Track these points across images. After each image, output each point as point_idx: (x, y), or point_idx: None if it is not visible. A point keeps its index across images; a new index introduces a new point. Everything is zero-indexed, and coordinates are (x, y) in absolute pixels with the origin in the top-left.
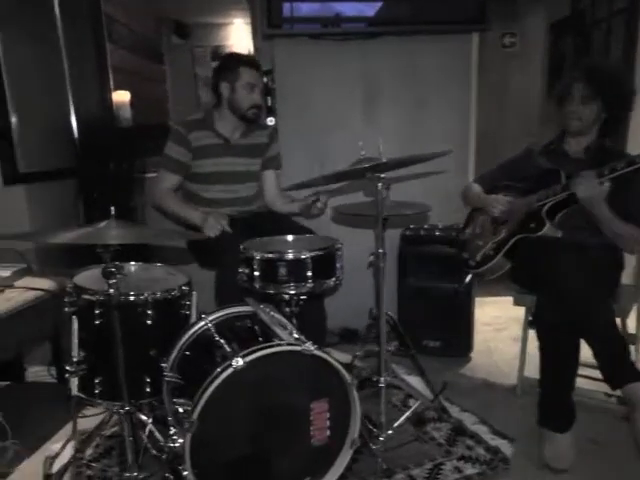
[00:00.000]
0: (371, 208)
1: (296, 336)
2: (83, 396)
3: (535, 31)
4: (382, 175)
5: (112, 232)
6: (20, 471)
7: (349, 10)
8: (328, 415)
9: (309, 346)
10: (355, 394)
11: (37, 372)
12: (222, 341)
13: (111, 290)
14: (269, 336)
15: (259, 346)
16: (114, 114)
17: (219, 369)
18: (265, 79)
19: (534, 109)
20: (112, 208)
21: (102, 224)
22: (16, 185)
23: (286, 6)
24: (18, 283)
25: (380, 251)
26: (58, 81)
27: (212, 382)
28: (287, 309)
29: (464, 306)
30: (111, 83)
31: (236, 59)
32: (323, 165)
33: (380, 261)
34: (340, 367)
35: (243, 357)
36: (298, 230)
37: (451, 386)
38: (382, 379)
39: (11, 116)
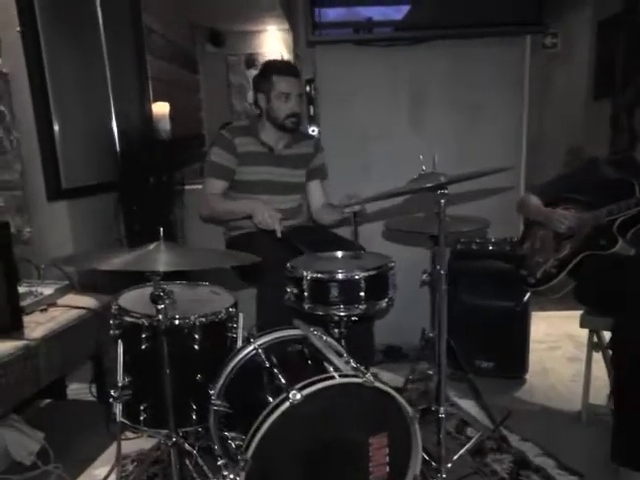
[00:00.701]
0: (425, 224)
1: (354, 365)
2: (127, 422)
3: (579, 30)
4: (446, 191)
5: (162, 257)
6: None
7: (394, 14)
8: (387, 450)
9: (370, 378)
10: (417, 428)
11: (78, 390)
12: (275, 370)
13: (159, 316)
14: (323, 364)
15: (317, 377)
16: (154, 126)
17: (274, 402)
18: (307, 88)
19: (577, 112)
20: (161, 230)
21: (151, 247)
22: (59, 201)
23: (329, 12)
24: (61, 301)
25: (442, 272)
26: (101, 93)
27: (267, 417)
28: (336, 330)
29: (520, 325)
30: (150, 94)
31: (269, 68)
32: (368, 174)
33: (442, 282)
34: (402, 400)
35: (300, 390)
36: (346, 245)
37: (506, 411)
38: (442, 409)
39: (56, 133)
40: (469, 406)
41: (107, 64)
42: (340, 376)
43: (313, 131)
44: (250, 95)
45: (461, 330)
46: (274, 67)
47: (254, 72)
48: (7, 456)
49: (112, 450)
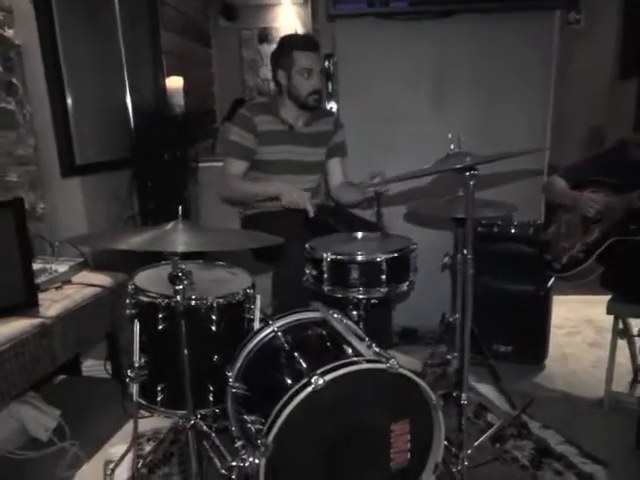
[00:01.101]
0: (449, 207)
1: (376, 350)
2: (144, 403)
3: (605, 7)
4: (476, 172)
5: (180, 237)
6: (80, 477)
7: None
8: (409, 437)
9: (395, 363)
10: (440, 416)
11: (92, 367)
12: (295, 354)
13: (177, 297)
14: (344, 348)
15: (339, 362)
16: (168, 101)
17: (296, 387)
18: (326, 63)
19: (600, 92)
20: (179, 208)
21: (168, 226)
22: (73, 177)
23: None
24: (76, 278)
25: (469, 257)
26: (115, 67)
27: (289, 402)
28: (354, 312)
29: (541, 310)
30: (164, 68)
31: (289, 43)
32: (387, 154)
33: (469, 267)
34: (426, 386)
35: (323, 375)
36: (366, 226)
37: (527, 397)
38: (464, 395)
39: (69, 107)
40: (487, 390)
41: (121, 37)
42: (364, 361)
43: (331, 108)
44: (263, 71)
45: (480, 313)
46: (294, 42)
47: (267, 47)
48: (24, 432)
49: (128, 428)
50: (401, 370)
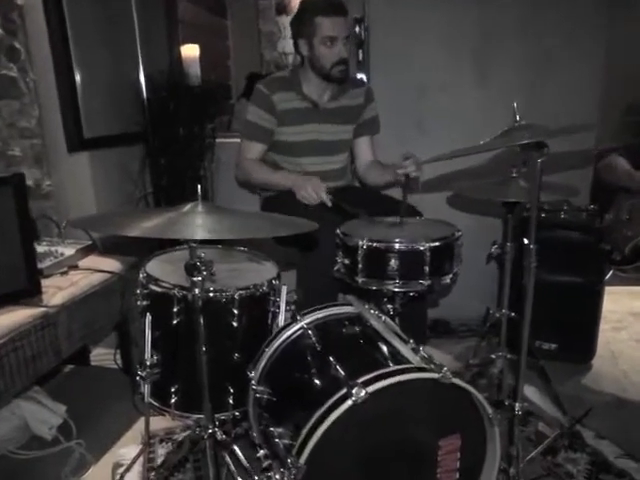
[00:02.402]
0: (498, 189)
1: (424, 355)
2: (156, 404)
3: None
4: (547, 149)
5: (199, 221)
6: None
7: None
8: (459, 455)
9: (448, 373)
10: (496, 432)
11: (101, 356)
12: (330, 358)
13: (195, 290)
14: (386, 352)
15: (383, 371)
16: (183, 71)
17: (333, 399)
18: (356, 29)
19: None
20: (198, 187)
21: (185, 208)
22: (81, 152)
23: None
24: (83, 263)
25: (531, 247)
26: (126, 36)
27: (325, 417)
28: (389, 306)
29: (592, 304)
30: (179, 37)
31: (311, 8)
32: (421, 130)
33: (531, 259)
34: (482, 399)
35: (365, 386)
36: (401, 210)
37: (574, 401)
38: (517, 405)
39: (76, 75)
40: (531, 393)
41: (133, 1)
42: (412, 370)
43: (361, 78)
44: (281, 44)
45: (521, 306)
46: (317, 6)
47: (285, 18)
48: (27, 430)
49: (138, 426)
50: (455, 380)
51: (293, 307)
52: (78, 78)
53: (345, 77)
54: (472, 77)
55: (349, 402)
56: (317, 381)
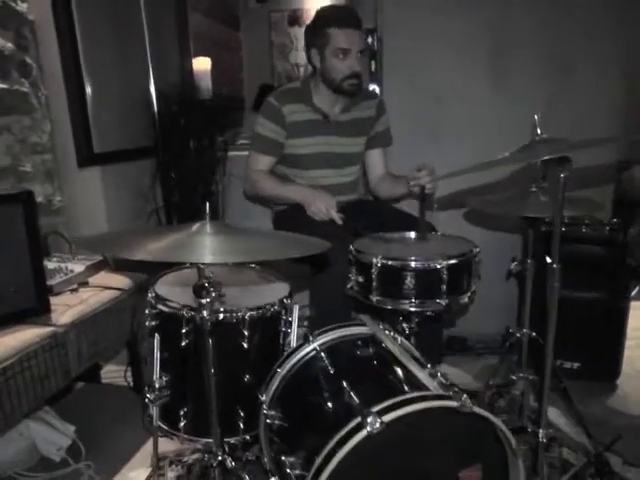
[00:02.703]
0: (517, 204)
1: (443, 381)
2: (165, 428)
3: None
4: (570, 163)
5: (208, 242)
6: None
7: None
8: None
9: (468, 401)
10: (520, 464)
11: (112, 373)
12: (344, 383)
13: (204, 312)
14: (402, 377)
15: (400, 399)
16: (195, 84)
17: (346, 429)
18: (369, 39)
19: None
20: (207, 206)
21: (194, 227)
22: (91, 167)
23: None
24: (93, 280)
25: (555, 266)
26: (137, 50)
27: (338, 448)
28: (404, 325)
29: (617, 321)
30: (191, 50)
31: (324, 18)
32: (436, 140)
33: (555, 278)
34: (504, 428)
35: (380, 415)
36: (415, 224)
37: (600, 423)
38: (542, 432)
39: (87, 90)
40: (554, 415)
41: (144, 15)
42: (430, 397)
43: (374, 90)
44: (293, 55)
45: (542, 324)
46: (330, 16)
47: (298, 30)
48: (35, 451)
49: (148, 448)
50: (476, 409)
51: (306, 323)
52: (89, 93)
53: (357, 91)
54: (488, 85)
55: (364, 432)
56: (330, 408)
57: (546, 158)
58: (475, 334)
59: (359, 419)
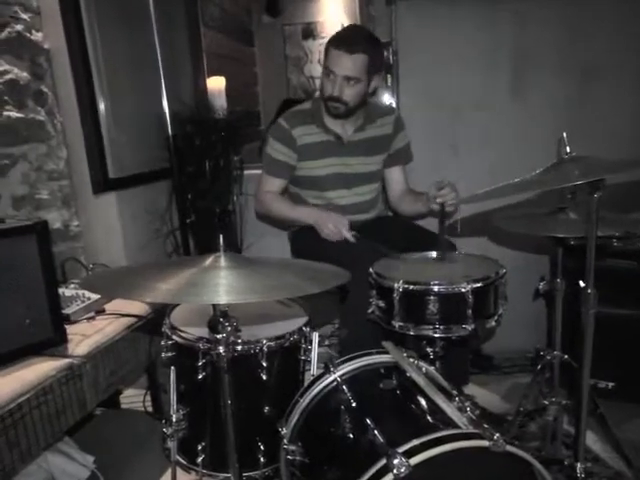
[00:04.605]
0: (546, 225)
1: (472, 417)
2: (183, 462)
3: None
4: (604, 183)
5: (222, 279)
6: None
7: None
8: None
9: (500, 440)
10: None
11: (132, 398)
12: (367, 419)
13: (220, 348)
14: (429, 413)
15: (427, 438)
16: (209, 104)
17: (371, 473)
18: (385, 53)
19: None
20: (220, 238)
21: (207, 262)
22: (107, 193)
23: None
24: (109, 306)
25: (589, 291)
26: (150, 70)
27: None
28: (429, 349)
29: None
30: (205, 69)
31: (331, 38)
32: (456, 152)
33: (589, 304)
34: (543, 470)
35: (407, 456)
36: (436, 243)
37: (638, 447)
38: (580, 466)
39: (101, 116)
40: (590, 441)
41: (156, 36)
42: (458, 437)
43: (390, 105)
44: (307, 68)
45: (570, 342)
46: (334, 36)
47: (312, 43)
48: None
49: (168, 479)
50: (509, 448)
51: (330, 341)
52: (103, 118)
53: (340, 115)
54: (509, 95)
55: (390, 476)
56: (353, 445)
57: (580, 182)
58: (501, 352)
59: (384, 461)
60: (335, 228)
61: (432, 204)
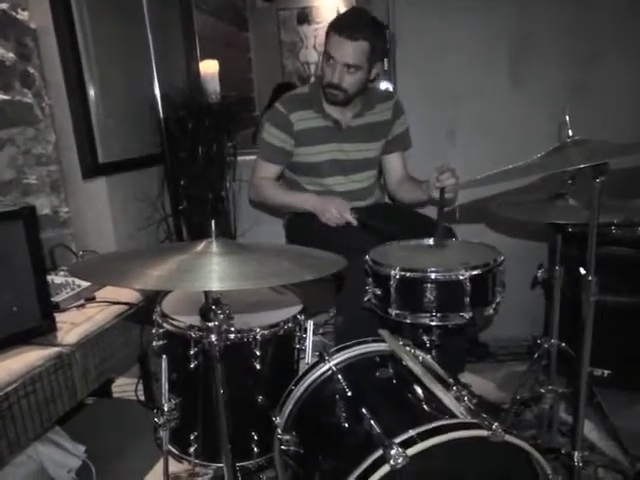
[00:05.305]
0: (544, 211)
1: (470, 406)
2: (175, 452)
3: None
4: (607, 168)
5: (215, 265)
6: None
7: None
8: None
9: (499, 430)
10: None
11: (123, 387)
12: (362, 408)
13: (212, 336)
14: (426, 401)
15: (425, 428)
16: (202, 87)
17: (367, 463)
18: None
19: None
20: (212, 223)
21: (199, 248)
22: (96, 178)
23: None
24: (100, 293)
25: (590, 279)
26: (141, 55)
27: None
28: (425, 338)
29: None
30: (198, 52)
31: (332, 21)
32: (453, 139)
33: (590, 292)
34: (541, 459)
35: (404, 447)
36: (433, 229)
37: (634, 436)
38: (577, 455)
39: (90, 99)
40: (587, 429)
41: (147, 18)
42: (457, 427)
43: (387, 89)
44: (303, 53)
45: (569, 329)
46: (336, 19)
47: (307, 28)
48: (44, 474)
49: (159, 468)
50: (508, 438)
51: (325, 329)
52: (92, 101)
53: (338, 102)
54: (508, 82)
55: (386, 467)
56: (349, 435)
57: (584, 166)
58: (497, 339)
59: (381, 451)
60: (336, 212)
61: (432, 191)
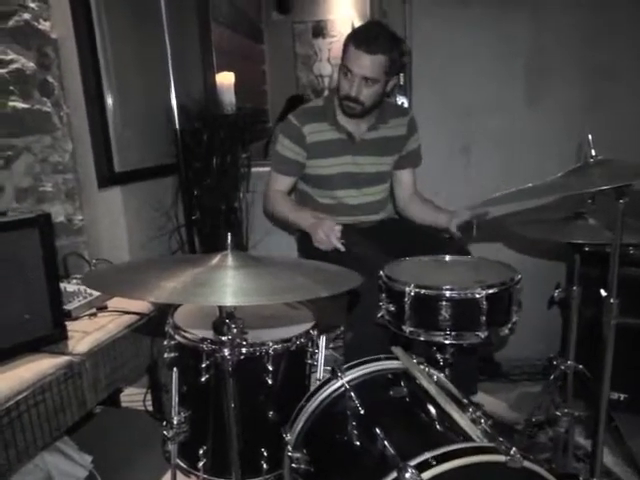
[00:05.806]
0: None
1: (486, 429)
2: (184, 466)
3: None
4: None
5: (229, 280)
6: None
7: None
8: None
9: (517, 455)
10: None
11: (132, 396)
12: (376, 428)
13: (225, 351)
14: (441, 423)
15: (440, 452)
16: (218, 99)
17: None
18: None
19: None
20: (228, 236)
21: (214, 261)
22: (112, 187)
23: None
24: (112, 302)
25: (612, 301)
26: (159, 64)
27: None
28: (438, 356)
29: None
30: (214, 64)
31: (350, 34)
32: (468, 155)
33: (612, 314)
34: None
35: (419, 470)
36: (447, 246)
37: None
38: None
39: (107, 109)
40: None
41: (166, 30)
42: (473, 451)
43: (402, 103)
44: (317, 66)
45: (585, 351)
46: (354, 32)
47: (322, 41)
48: None
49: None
50: (526, 464)
51: (335, 344)
52: (110, 111)
53: (355, 114)
54: (524, 97)
55: None
56: (362, 455)
57: (606, 187)
58: (510, 359)
59: (395, 474)
60: (325, 236)
61: (453, 226)
